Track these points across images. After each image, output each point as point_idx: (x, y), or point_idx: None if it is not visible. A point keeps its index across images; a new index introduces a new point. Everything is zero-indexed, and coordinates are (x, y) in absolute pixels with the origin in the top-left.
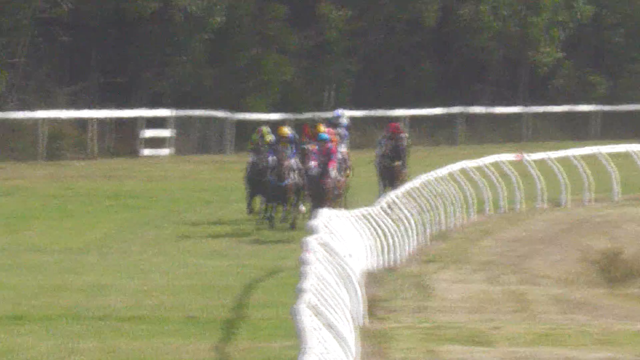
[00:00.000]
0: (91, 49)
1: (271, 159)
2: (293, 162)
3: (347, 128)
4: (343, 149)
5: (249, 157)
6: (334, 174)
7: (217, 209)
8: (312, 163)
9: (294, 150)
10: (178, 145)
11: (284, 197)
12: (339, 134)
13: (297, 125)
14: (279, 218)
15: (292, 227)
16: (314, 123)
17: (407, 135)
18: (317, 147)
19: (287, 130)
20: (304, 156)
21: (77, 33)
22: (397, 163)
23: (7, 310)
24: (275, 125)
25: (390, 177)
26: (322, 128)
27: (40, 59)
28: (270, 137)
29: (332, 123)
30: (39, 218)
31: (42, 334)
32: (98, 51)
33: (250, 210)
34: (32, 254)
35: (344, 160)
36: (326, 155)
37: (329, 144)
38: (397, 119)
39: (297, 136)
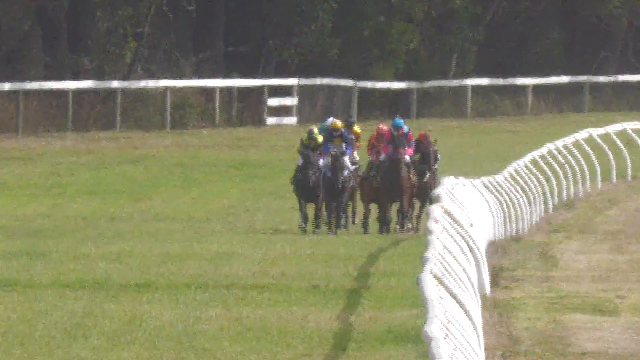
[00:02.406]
0: (216, 19)
1: (322, 161)
2: (347, 160)
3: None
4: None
5: (298, 161)
6: (408, 160)
7: None
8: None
9: (348, 148)
10: (302, 113)
11: (340, 193)
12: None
13: (419, 95)
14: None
15: (338, 228)
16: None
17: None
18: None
19: (340, 124)
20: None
21: (203, 2)
22: (427, 177)
23: (133, 278)
24: (397, 95)
25: (422, 191)
26: (339, 123)
27: (166, 29)
28: (321, 138)
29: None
30: (163, 186)
31: (167, 302)
32: (223, 20)
33: (305, 218)
34: (157, 223)
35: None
36: (402, 142)
37: (404, 129)
38: (520, 87)
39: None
